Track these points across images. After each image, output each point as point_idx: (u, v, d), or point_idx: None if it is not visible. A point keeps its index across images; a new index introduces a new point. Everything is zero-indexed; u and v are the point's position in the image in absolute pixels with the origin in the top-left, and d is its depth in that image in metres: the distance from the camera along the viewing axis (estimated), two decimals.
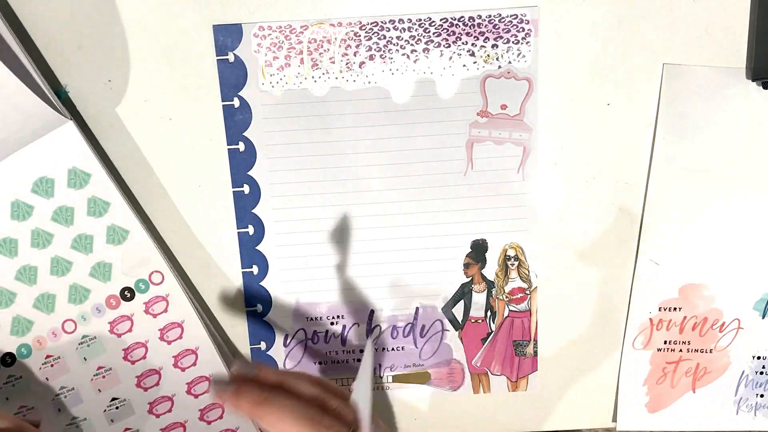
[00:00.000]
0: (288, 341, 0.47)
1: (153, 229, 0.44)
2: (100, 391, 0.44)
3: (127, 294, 0.43)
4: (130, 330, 0.44)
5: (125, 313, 0.43)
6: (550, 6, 0.42)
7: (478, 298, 0.47)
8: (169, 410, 0.46)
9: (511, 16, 0.42)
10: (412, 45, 0.42)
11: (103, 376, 0.44)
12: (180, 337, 0.44)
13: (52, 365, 0.44)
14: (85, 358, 0.44)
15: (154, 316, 0.44)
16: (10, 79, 0.37)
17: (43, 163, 0.41)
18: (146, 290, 0.43)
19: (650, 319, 0.47)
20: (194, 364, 0.45)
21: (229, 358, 0.46)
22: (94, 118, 0.42)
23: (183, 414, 0.46)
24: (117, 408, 0.45)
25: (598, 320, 0.47)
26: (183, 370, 0.45)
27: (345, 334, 0.47)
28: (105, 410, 0.45)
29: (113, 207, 0.42)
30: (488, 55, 0.42)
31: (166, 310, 0.44)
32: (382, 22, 0.42)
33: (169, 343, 0.44)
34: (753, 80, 0.42)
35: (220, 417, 0.46)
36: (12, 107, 0.38)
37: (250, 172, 0.44)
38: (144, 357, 0.44)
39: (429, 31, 0.42)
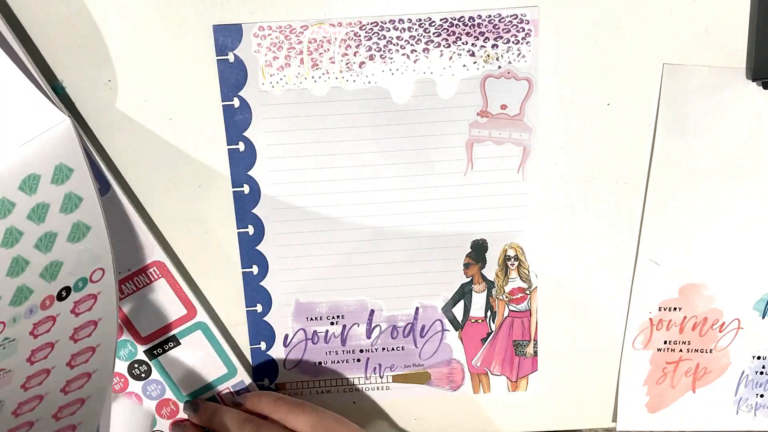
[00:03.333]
0: (288, 341, 0.47)
1: (154, 227, 0.44)
2: None
3: (63, 293, 0.39)
4: (48, 331, 0.38)
5: (52, 314, 0.39)
6: (550, 6, 0.42)
7: (478, 298, 0.47)
8: (32, 410, 0.37)
9: (511, 16, 0.42)
10: (412, 45, 0.42)
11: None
12: (89, 336, 0.39)
13: None
14: None
15: (77, 315, 0.39)
16: (13, 74, 0.37)
17: (35, 160, 0.39)
18: (82, 288, 0.39)
19: (650, 319, 0.47)
20: (86, 362, 0.38)
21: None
22: (94, 118, 0.42)
23: (40, 413, 0.37)
24: None
25: (598, 320, 0.47)
26: (72, 367, 0.38)
27: (345, 334, 0.47)
28: None
29: (84, 203, 0.39)
30: (488, 55, 0.42)
31: (90, 309, 0.39)
32: (382, 22, 0.42)
33: (75, 341, 0.39)
34: (753, 80, 0.42)
35: (72, 414, 0.38)
36: (12, 103, 0.38)
37: (250, 172, 0.44)
38: (45, 358, 0.38)
39: (429, 31, 0.42)
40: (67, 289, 0.39)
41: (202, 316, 0.45)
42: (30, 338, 0.38)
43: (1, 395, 0.37)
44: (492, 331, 0.47)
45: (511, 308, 0.47)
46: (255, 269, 0.46)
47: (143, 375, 0.46)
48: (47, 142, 0.39)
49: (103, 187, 0.42)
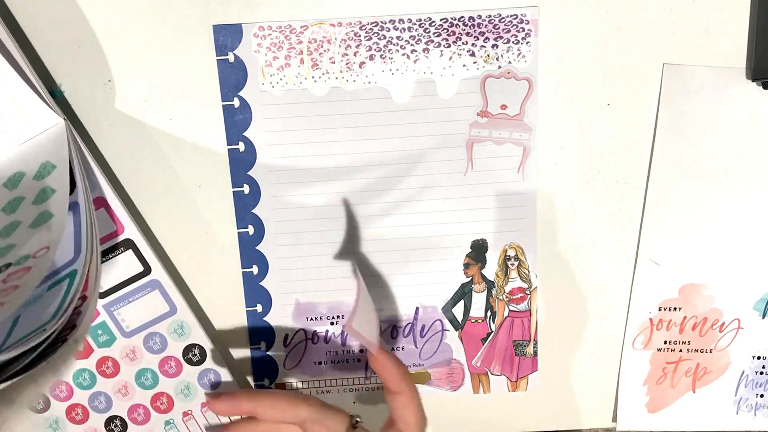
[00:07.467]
0: (288, 341, 0.47)
1: (147, 229, 0.44)
2: None
3: (3, 268, 0.38)
4: None
5: None
6: (550, 6, 0.42)
7: (478, 298, 0.47)
8: None
9: (511, 16, 0.42)
10: (412, 45, 0.42)
11: None
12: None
13: None
14: None
15: (5, 282, 0.38)
16: (12, 78, 0.37)
17: (25, 159, 0.39)
18: (23, 262, 0.39)
19: (650, 319, 0.47)
20: None
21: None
22: (94, 119, 0.42)
23: None
24: None
25: (598, 320, 0.47)
26: None
27: (345, 334, 0.47)
28: None
29: (56, 194, 0.39)
30: (488, 55, 0.42)
31: (20, 278, 0.38)
32: (382, 22, 0.42)
33: None
34: (753, 80, 0.42)
35: None
36: (10, 106, 0.38)
37: (250, 172, 0.44)
38: None
39: (429, 31, 0.42)
40: (8, 265, 0.39)
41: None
42: None
43: None
44: (492, 331, 0.47)
45: (511, 308, 0.47)
46: (255, 269, 0.46)
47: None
48: (40, 143, 0.39)
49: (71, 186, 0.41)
